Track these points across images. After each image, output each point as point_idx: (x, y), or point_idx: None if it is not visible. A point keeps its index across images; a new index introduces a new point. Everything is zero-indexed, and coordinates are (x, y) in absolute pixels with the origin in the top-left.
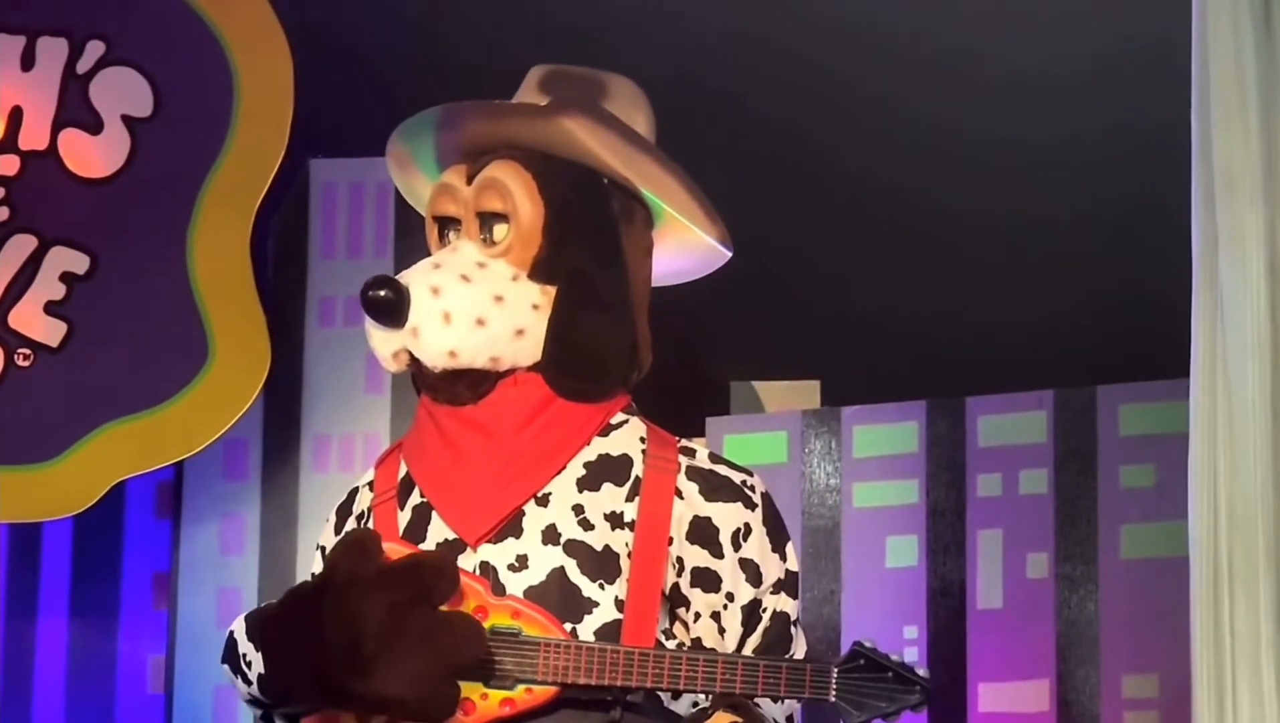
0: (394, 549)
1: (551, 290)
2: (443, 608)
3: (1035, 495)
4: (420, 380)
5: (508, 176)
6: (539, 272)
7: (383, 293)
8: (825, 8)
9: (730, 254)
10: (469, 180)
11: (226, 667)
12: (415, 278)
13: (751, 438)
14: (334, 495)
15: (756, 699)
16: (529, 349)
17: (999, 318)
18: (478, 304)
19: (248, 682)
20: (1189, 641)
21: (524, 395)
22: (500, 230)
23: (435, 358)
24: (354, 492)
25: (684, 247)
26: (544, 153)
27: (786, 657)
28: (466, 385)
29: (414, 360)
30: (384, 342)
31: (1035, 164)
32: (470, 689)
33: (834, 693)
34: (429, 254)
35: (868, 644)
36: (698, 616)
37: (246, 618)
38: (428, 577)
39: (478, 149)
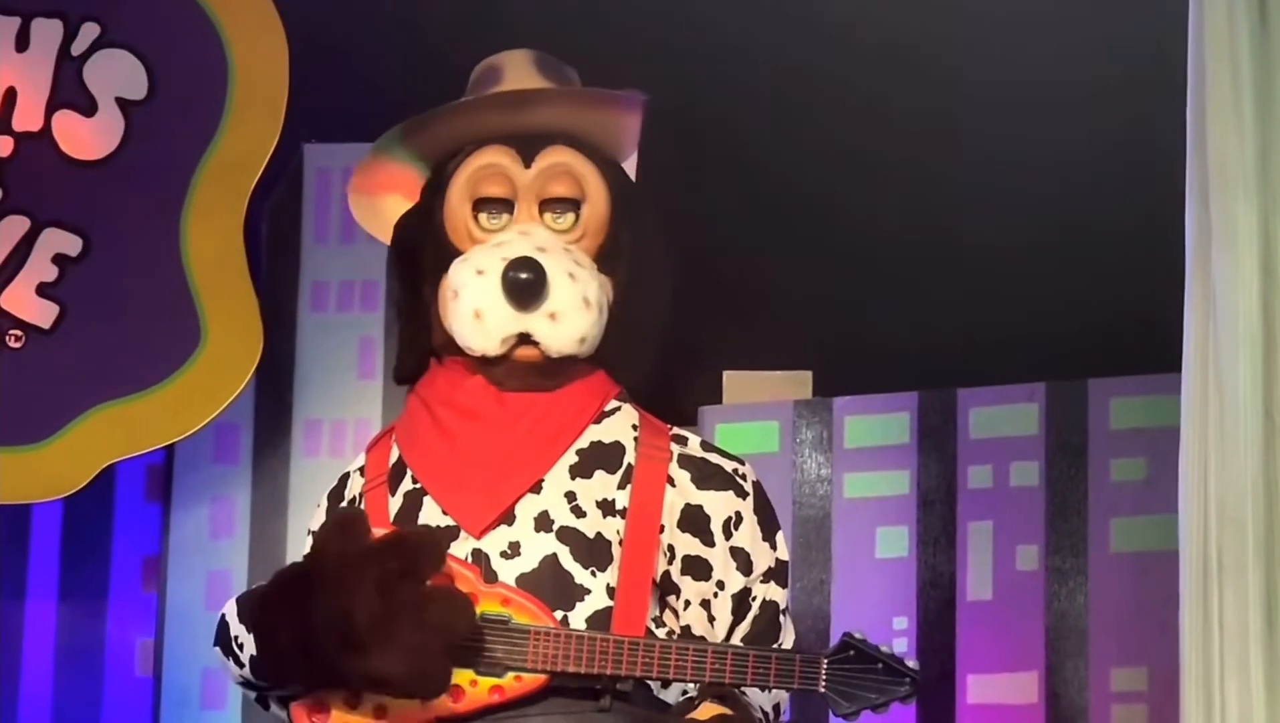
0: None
1: (609, 281)
2: (429, 583)
3: (1026, 488)
4: (483, 367)
5: (577, 164)
6: (603, 262)
7: (527, 276)
8: (828, 21)
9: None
10: (525, 164)
11: (218, 650)
12: (550, 261)
13: (743, 427)
14: (325, 480)
15: (743, 689)
16: None
17: (991, 310)
18: (599, 291)
19: (240, 664)
20: (1178, 634)
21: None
22: (568, 219)
23: (566, 344)
24: (345, 477)
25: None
26: (588, 142)
27: (776, 647)
28: (546, 375)
29: (521, 344)
30: (508, 323)
31: (1028, 160)
32: (460, 677)
33: (823, 684)
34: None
35: (858, 636)
36: (687, 603)
37: (238, 600)
38: (413, 551)
39: (501, 134)
